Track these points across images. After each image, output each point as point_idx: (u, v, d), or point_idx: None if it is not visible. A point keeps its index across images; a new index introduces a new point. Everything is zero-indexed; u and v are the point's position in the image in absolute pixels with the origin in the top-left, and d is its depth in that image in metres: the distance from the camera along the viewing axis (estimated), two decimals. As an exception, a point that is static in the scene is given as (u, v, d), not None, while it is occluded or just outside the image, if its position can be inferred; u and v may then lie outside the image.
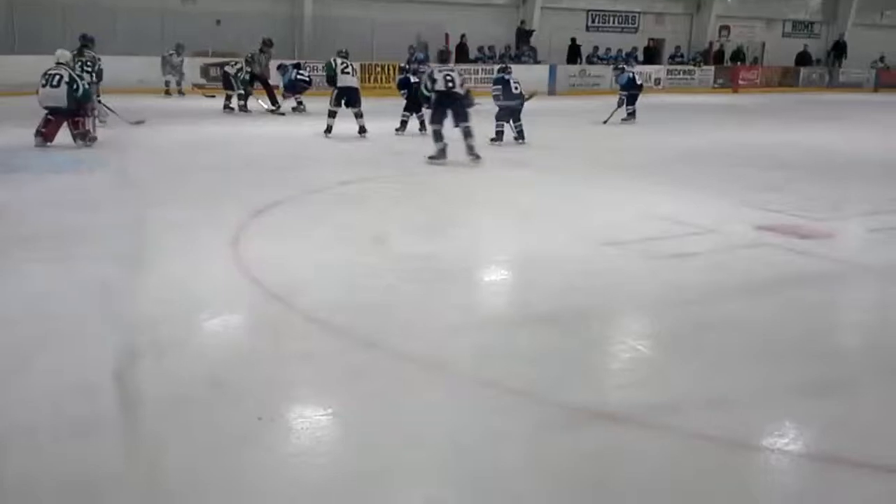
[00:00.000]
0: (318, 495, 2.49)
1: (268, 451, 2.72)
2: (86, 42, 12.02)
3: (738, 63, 27.11)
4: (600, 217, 6.52)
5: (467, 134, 9.11)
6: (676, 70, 25.34)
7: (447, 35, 22.08)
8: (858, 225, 6.57)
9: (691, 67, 25.68)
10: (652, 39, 26.28)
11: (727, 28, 27.66)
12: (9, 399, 3.06)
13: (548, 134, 12.79)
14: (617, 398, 3.27)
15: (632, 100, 14.40)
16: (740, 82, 26.05)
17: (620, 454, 2.77)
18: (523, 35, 23.49)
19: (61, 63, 9.55)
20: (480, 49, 22.72)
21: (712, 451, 2.81)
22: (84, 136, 9.53)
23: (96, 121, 9.75)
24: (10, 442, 2.73)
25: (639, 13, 26.32)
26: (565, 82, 22.61)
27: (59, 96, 9.32)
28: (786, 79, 27.54)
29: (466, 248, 5.58)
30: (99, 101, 11.52)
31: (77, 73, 9.64)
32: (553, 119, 14.25)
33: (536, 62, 22.76)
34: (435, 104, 9.33)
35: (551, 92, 21.51)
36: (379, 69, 20.64)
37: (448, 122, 9.11)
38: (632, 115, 14.38)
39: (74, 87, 9.37)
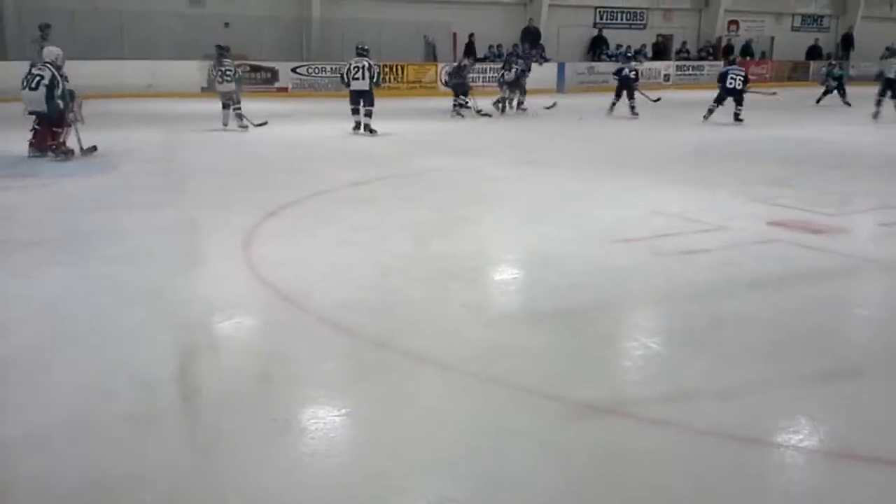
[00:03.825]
0: (333, 495, 2.51)
1: (283, 452, 2.75)
2: (221, 51, 12.51)
3: (747, 58, 26.99)
4: (609, 214, 6.53)
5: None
6: (685, 66, 25.29)
7: (455, 35, 22.10)
8: (868, 219, 6.56)
9: (700, 63, 25.61)
10: (660, 35, 26.22)
11: (735, 23, 27.54)
12: (24, 401, 3.10)
13: (556, 131, 12.80)
14: (628, 394, 3.28)
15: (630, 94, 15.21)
16: (750, 77, 25.94)
17: (632, 450, 2.79)
18: (531, 34, 23.45)
19: (47, 62, 9.16)
20: (490, 48, 22.72)
21: (724, 447, 2.82)
22: (57, 149, 9.00)
23: (78, 131, 9.20)
24: (26, 443, 2.77)
25: (646, 9, 26.25)
26: (574, 80, 22.59)
27: (38, 99, 8.99)
28: (796, 73, 27.41)
29: (475, 246, 5.60)
30: (238, 108, 12.21)
31: (61, 73, 9.14)
32: (562, 116, 14.25)
33: (545, 60, 22.71)
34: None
35: (560, 89, 21.49)
36: (387, 69, 20.65)
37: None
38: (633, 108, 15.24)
39: (57, 90, 8.98)
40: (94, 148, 9.36)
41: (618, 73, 15.44)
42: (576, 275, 4.86)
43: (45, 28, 15.08)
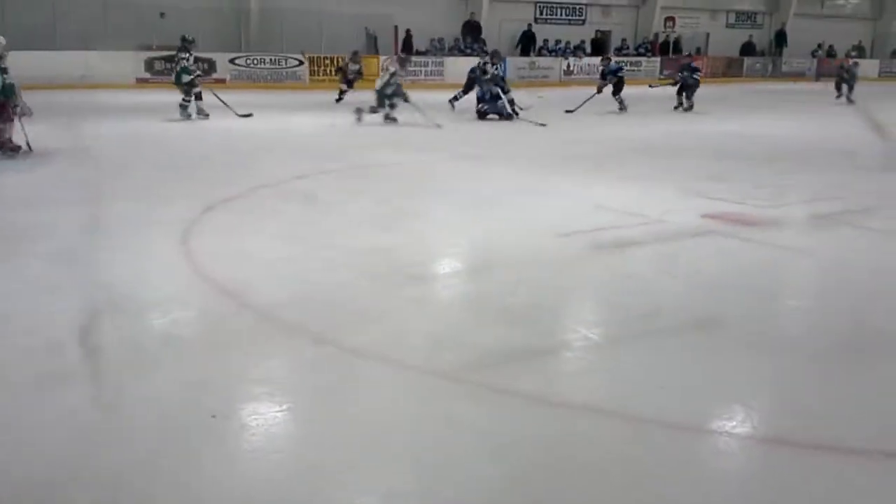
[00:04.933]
0: (275, 491, 2.48)
1: (223, 449, 2.71)
2: (184, 43, 12.60)
3: (680, 54, 27.49)
4: (552, 208, 6.58)
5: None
6: (623, 62, 25.61)
7: (396, 28, 22.01)
8: (800, 212, 6.73)
9: (638, 59, 26.02)
10: (599, 31, 26.54)
11: (672, 19, 28.02)
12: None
13: (501, 126, 12.86)
14: (570, 385, 3.32)
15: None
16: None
17: (574, 440, 2.82)
18: (471, 28, 23.49)
19: None
20: (432, 41, 22.70)
21: (664, 435, 2.87)
22: (1, 148, 8.46)
23: (23, 124, 8.62)
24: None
25: (586, 5, 26.53)
26: (514, 74, 22.71)
27: None
28: (730, 69, 28.02)
29: (420, 241, 5.60)
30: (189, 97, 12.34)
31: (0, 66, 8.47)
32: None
33: (485, 54, 22.76)
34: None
35: (502, 84, 21.57)
36: (328, 62, 20.50)
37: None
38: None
39: None
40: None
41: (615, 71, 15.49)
42: (520, 268, 4.89)
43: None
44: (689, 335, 3.85)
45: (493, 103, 13.38)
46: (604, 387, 3.29)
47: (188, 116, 12.33)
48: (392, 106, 12.57)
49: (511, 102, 13.45)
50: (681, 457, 2.74)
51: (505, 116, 13.23)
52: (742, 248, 5.46)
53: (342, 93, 15.61)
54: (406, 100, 12.59)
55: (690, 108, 15.55)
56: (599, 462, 2.67)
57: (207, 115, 12.39)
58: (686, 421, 2.96)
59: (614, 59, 17.65)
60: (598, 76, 16.06)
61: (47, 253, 4.95)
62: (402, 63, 13.79)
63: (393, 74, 12.64)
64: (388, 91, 12.54)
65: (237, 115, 12.44)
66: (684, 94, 15.61)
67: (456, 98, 14.87)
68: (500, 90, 13.44)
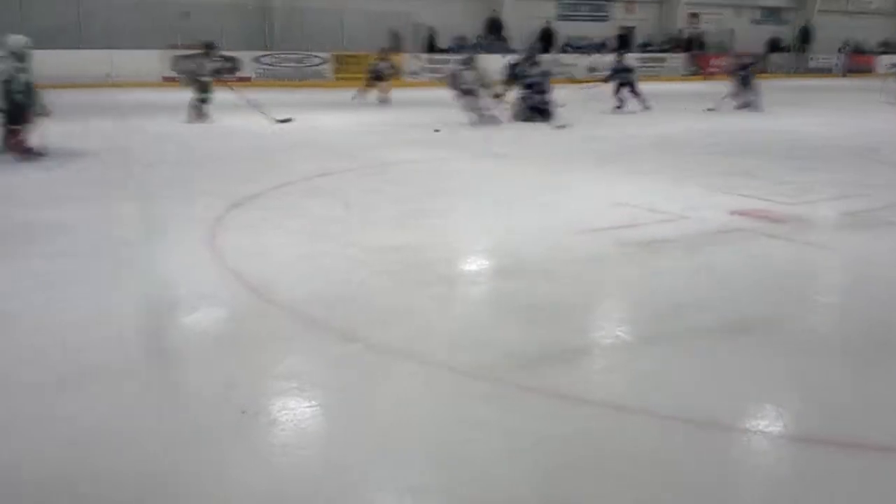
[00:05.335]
0: (304, 487, 2.50)
1: (253, 445, 2.73)
2: (206, 48, 12.63)
3: (702, 50, 27.30)
4: (575, 206, 6.57)
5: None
6: (647, 58, 25.50)
7: (418, 25, 22.04)
8: (828, 209, 6.67)
9: (662, 55, 25.87)
10: (623, 27, 26.40)
11: (696, 15, 27.84)
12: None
13: (524, 124, 12.83)
14: (595, 383, 3.32)
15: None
16: (710, 69, 26.26)
17: (598, 437, 2.81)
18: (493, 25, 23.47)
19: (14, 53, 8.30)
20: (454, 39, 22.72)
21: (689, 432, 2.86)
22: (16, 149, 8.31)
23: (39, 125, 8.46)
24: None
25: (609, 1, 26.42)
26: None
27: None
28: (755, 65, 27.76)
29: (442, 238, 5.60)
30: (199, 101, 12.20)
31: (19, 66, 8.30)
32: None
33: (509, 51, 22.75)
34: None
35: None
36: (351, 59, 20.55)
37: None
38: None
39: (12, 84, 8.21)
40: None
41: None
42: (543, 265, 4.88)
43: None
44: (716, 332, 3.83)
45: (532, 101, 13.18)
46: (630, 383, 3.28)
47: (196, 117, 12.17)
48: (475, 108, 12.52)
49: (549, 102, 13.25)
50: (708, 454, 2.72)
51: (543, 115, 13.04)
52: (769, 244, 5.42)
53: (361, 92, 15.58)
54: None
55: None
56: (625, 461, 2.66)
57: (208, 117, 12.29)
58: (714, 419, 2.94)
59: (628, 55, 17.27)
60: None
61: (73, 251, 5.01)
62: (466, 62, 13.64)
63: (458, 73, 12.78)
64: (464, 87, 12.68)
65: (276, 120, 11.88)
66: (748, 90, 15.43)
67: (499, 94, 14.83)
68: (541, 88, 13.21)
